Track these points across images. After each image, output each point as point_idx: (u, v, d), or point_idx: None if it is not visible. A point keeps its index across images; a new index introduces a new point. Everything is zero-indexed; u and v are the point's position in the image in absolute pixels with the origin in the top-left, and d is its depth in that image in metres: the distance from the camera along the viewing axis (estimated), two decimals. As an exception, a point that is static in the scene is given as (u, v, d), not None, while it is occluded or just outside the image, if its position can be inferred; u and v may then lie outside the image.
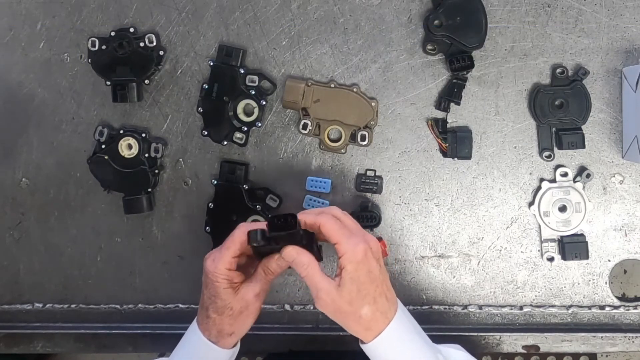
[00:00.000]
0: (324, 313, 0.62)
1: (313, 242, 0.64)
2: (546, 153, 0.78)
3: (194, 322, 0.68)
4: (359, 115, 0.79)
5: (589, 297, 0.80)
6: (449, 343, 0.69)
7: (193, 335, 0.67)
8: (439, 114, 0.79)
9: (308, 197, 0.80)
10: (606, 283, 0.80)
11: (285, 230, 0.60)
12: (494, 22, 0.78)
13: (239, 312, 0.65)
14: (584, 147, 0.77)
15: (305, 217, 0.62)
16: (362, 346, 0.62)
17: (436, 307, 0.81)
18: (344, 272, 0.60)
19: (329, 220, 0.62)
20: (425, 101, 0.79)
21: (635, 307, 0.80)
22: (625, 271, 1.49)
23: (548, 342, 0.80)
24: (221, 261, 0.63)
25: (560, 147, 0.77)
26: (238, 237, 0.63)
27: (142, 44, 0.79)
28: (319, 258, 0.64)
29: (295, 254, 0.62)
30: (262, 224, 0.64)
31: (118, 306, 0.84)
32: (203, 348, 0.66)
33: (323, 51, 0.80)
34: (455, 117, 0.79)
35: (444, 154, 0.79)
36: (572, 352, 0.95)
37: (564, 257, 0.79)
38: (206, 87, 0.79)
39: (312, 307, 0.82)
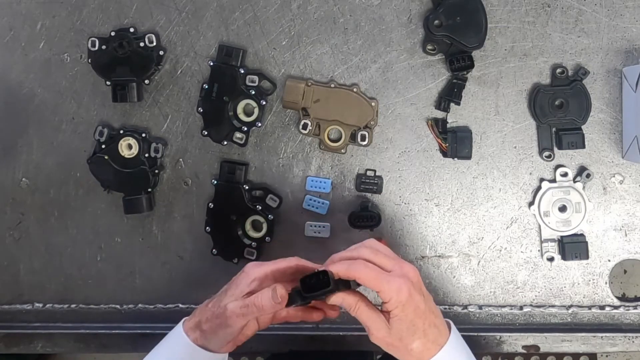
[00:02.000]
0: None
1: (347, 283, 0.63)
2: (546, 153, 0.78)
3: (179, 327, 0.67)
4: (359, 115, 0.79)
5: (589, 297, 0.80)
6: None
7: (180, 339, 0.66)
8: (439, 114, 0.79)
9: (308, 197, 0.80)
10: (606, 283, 0.80)
11: (320, 289, 0.61)
12: (494, 22, 0.78)
13: (233, 344, 0.67)
14: (584, 147, 0.77)
15: (338, 269, 0.61)
16: None
17: (436, 307, 0.81)
18: (392, 314, 0.61)
19: (363, 270, 0.61)
20: (425, 101, 0.79)
21: (635, 307, 0.80)
22: (625, 271, 1.49)
23: (548, 342, 0.80)
24: (246, 317, 0.64)
25: (560, 147, 0.77)
26: (266, 306, 0.63)
27: (142, 44, 0.79)
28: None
29: (340, 300, 0.63)
30: (270, 266, 0.66)
31: (118, 306, 0.84)
32: (190, 352, 0.66)
33: (323, 51, 0.80)
34: (455, 117, 0.79)
35: (444, 154, 0.79)
36: (572, 352, 0.95)
37: (564, 257, 0.79)
38: (206, 87, 0.79)
39: (312, 307, 0.82)
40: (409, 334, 0.61)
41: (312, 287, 0.61)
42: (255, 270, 0.66)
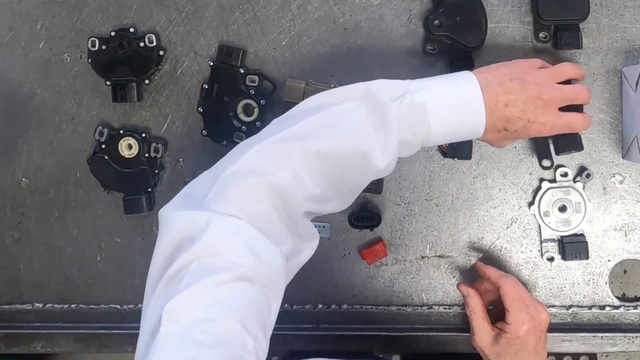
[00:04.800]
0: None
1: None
2: (545, 163, 0.78)
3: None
4: (359, 115, 0.78)
5: (589, 297, 0.80)
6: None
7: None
8: (439, 114, 0.79)
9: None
10: (606, 283, 0.80)
11: None
12: (494, 22, 0.78)
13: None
14: (582, 149, 0.76)
15: (490, 273, 0.73)
16: None
17: (436, 307, 0.81)
18: (503, 335, 0.68)
19: (510, 286, 0.69)
20: (425, 101, 0.79)
21: (635, 307, 0.80)
22: (625, 271, 1.49)
23: (548, 342, 0.80)
24: None
25: (557, 152, 0.76)
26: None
27: (142, 44, 0.79)
28: None
29: (465, 292, 0.73)
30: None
31: (118, 306, 0.84)
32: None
33: (323, 51, 0.79)
34: (455, 117, 0.79)
35: (444, 154, 0.79)
36: (572, 352, 0.95)
37: (564, 257, 0.79)
38: (206, 87, 0.79)
39: (312, 307, 0.82)
40: (507, 356, 0.68)
41: None
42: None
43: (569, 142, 0.73)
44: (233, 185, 0.54)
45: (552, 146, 0.77)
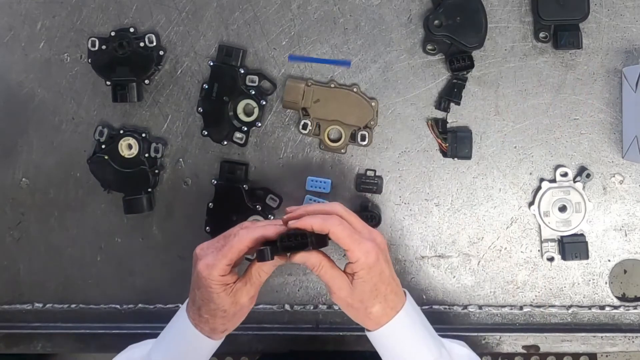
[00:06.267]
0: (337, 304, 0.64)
1: (322, 241, 0.63)
2: (542, 34, 0.77)
3: (184, 310, 0.66)
4: (359, 115, 0.79)
5: (589, 297, 0.80)
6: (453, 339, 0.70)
7: (184, 326, 0.65)
8: (439, 114, 0.79)
9: (308, 197, 0.80)
10: (606, 283, 0.80)
11: (297, 249, 0.61)
12: (494, 22, 0.78)
13: (232, 314, 0.64)
14: (580, 47, 0.75)
15: (313, 222, 0.61)
16: (367, 334, 0.64)
17: (436, 307, 0.81)
18: (357, 276, 0.61)
19: (338, 226, 0.61)
20: (425, 101, 0.79)
21: (635, 307, 0.80)
22: (625, 271, 1.49)
23: (548, 342, 0.80)
24: (216, 268, 0.61)
25: (556, 47, 0.76)
26: (237, 247, 0.61)
27: (142, 44, 0.79)
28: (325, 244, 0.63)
29: (304, 259, 0.62)
30: (262, 227, 0.63)
31: (118, 306, 0.84)
32: (195, 340, 0.65)
33: (323, 51, 0.80)
34: (455, 117, 0.79)
35: (444, 154, 0.79)
36: (572, 352, 0.95)
37: (564, 257, 0.79)
38: (206, 87, 0.79)
39: (312, 307, 0.82)
40: (370, 297, 0.62)
41: (289, 246, 0.61)
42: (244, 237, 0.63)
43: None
44: None
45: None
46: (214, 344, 0.67)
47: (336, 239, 0.61)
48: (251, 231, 0.62)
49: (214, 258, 0.62)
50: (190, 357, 0.66)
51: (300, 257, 0.62)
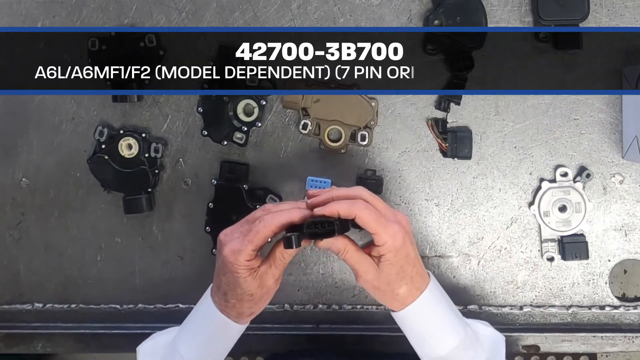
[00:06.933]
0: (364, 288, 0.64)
1: (346, 225, 0.62)
2: (542, 34, 0.76)
3: (208, 296, 0.66)
4: (359, 115, 0.79)
5: (589, 297, 0.80)
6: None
7: (211, 312, 0.65)
8: (439, 114, 0.79)
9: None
10: (606, 283, 0.80)
11: (324, 236, 0.60)
12: (494, 22, 0.78)
13: (259, 298, 0.64)
14: (580, 47, 0.75)
15: (339, 208, 0.61)
16: (393, 314, 0.65)
17: (436, 307, 0.81)
18: (384, 258, 0.62)
19: (364, 211, 0.61)
20: (425, 101, 0.79)
21: (635, 307, 0.80)
22: (625, 271, 1.49)
23: (548, 342, 0.80)
24: (242, 254, 0.61)
25: (556, 47, 0.76)
26: (264, 232, 0.61)
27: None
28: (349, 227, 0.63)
29: (329, 245, 0.62)
30: (287, 211, 0.62)
31: (118, 306, 0.84)
32: (222, 325, 0.65)
33: (323, 51, 0.80)
34: (455, 117, 0.79)
35: (444, 154, 0.79)
36: (572, 352, 0.95)
37: (564, 257, 0.79)
38: (206, 86, 0.79)
39: (312, 307, 0.82)
40: (397, 279, 0.62)
41: (316, 233, 0.60)
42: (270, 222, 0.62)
43: None
44: None
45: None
46: (240, 328, 0.66)
47: (363, 223, 0.61)
48: (277, 216, 0.61)
49: (240, 243, 0.61)
50: (218, 342, 0.67)
51: (325, 243, 0.62)
